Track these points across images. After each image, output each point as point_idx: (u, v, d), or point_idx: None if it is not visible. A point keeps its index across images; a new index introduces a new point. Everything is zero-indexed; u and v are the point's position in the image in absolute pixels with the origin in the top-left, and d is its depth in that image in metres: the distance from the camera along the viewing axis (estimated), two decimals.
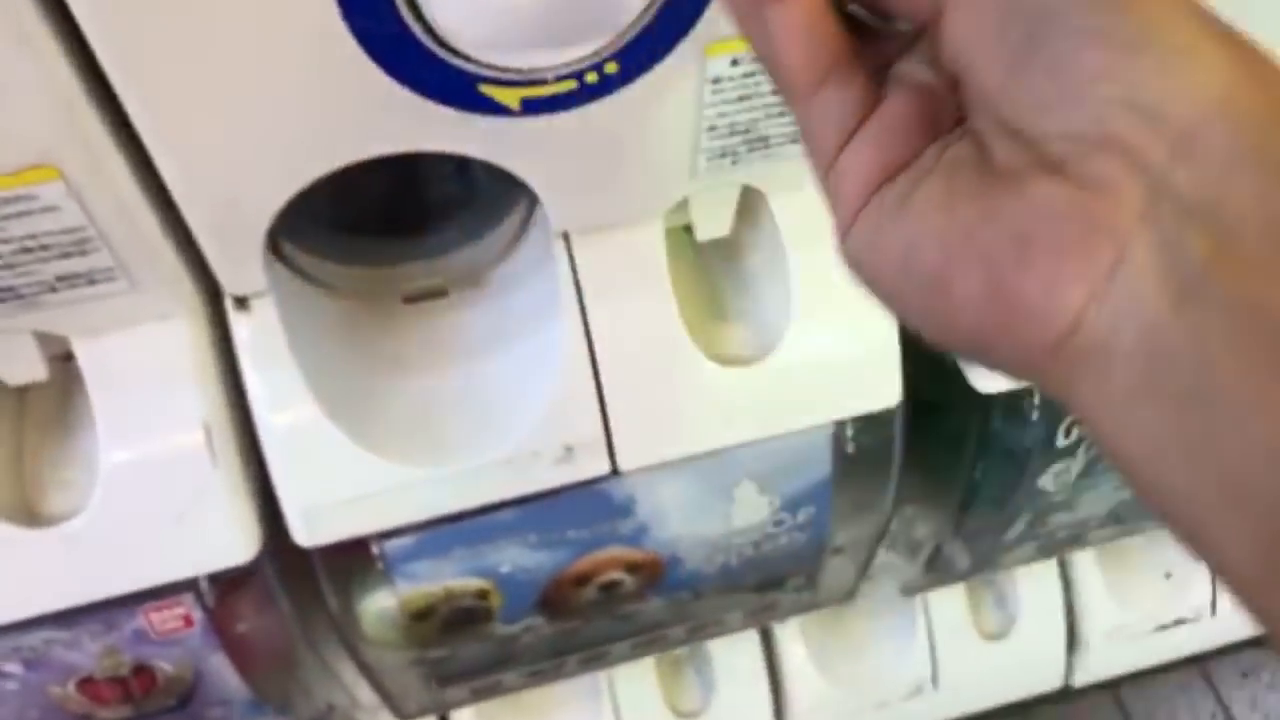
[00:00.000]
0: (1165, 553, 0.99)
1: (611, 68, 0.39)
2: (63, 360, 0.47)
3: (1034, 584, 0.93)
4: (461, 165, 0.51)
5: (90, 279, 0.41)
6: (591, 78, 0.39)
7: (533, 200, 0.50)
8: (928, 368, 0.53)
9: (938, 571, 0.71)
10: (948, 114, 0.26)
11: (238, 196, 0.39)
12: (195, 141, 0.37)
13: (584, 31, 0.35)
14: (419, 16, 0.35)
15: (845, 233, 0.27)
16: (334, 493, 0.45)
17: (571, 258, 0.47)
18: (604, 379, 0.47)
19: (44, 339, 0.45)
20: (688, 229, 0.52)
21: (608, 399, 0.47)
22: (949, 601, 0.89)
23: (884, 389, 0.50)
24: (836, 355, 0.49)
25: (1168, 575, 1.03)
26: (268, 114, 0.37)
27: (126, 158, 0.37)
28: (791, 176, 0.47)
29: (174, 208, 0.40)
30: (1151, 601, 1.00)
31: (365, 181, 0.42)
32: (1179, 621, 1.01)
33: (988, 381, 0.52)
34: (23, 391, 0.48)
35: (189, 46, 0.34)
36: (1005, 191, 0.23)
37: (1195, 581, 0.99)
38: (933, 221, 0.24)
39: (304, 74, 0.36)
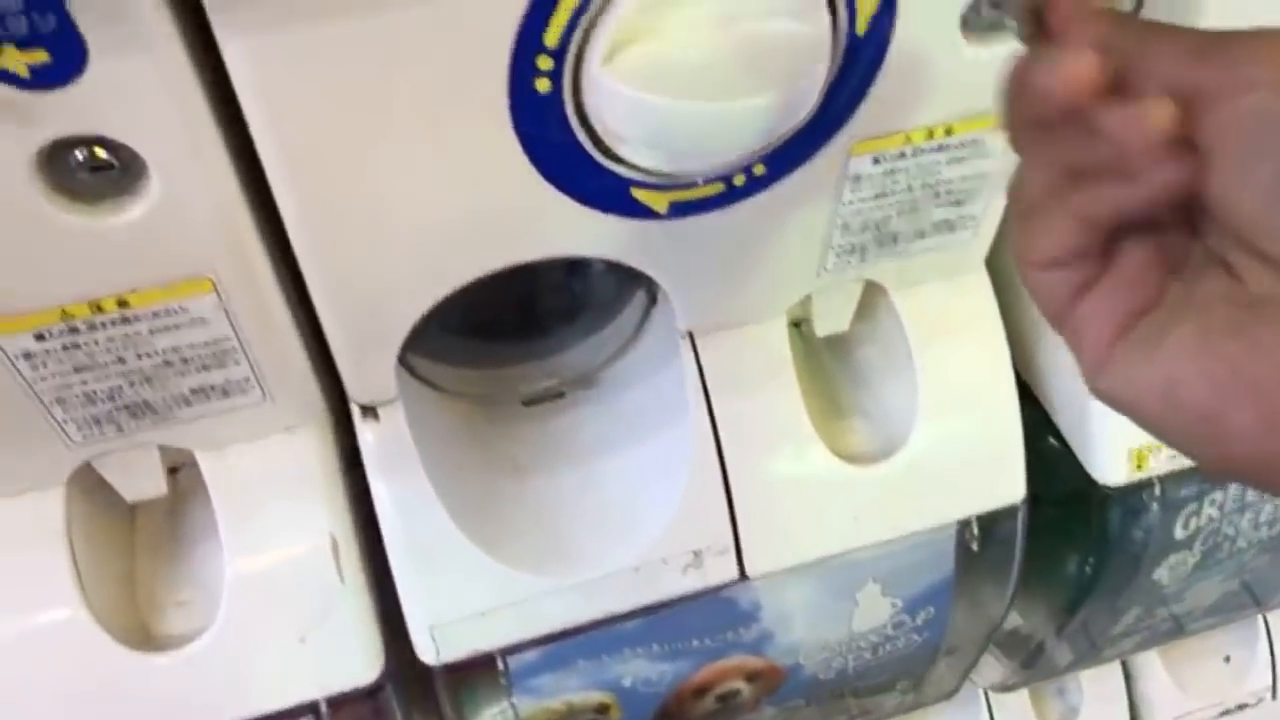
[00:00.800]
0: (1223, 637, 0.97)
1: (760, 170, 0.39)
2: (171, 474, 0.46)
3: (1095, 672, 0.91)
4: (576, 266, 0.50)
5: (225, 391, 0.40)
6: (739, 180, 0.39)
7: (649, 299, 0.49)
8: (1041, 459, 0.52)
9: (1035, 669, 0.68)
10: (1184, 249, 0.26)
11: (383, 303, 0.39)
12: (348, 246, 0.36)
13: (750, 141, 0.35)
14: (586, 124, 0.35)
15: (1096, 373, 0.26)
16: (461, 606, 0.44)
17: (697, 356, 0.46)
18: (732, 480, 0.46)
19: (163, 453, 0.43)
20: (795, 323, 0.52)
21: (736, 501, 0.46)
22: (1012, 692, 0.86)
23: (1009, 484, 0.49)
24: (963, 452, 0.48)
25: (1226, 659, 1.01)
26: (423, 218, 0.36)
27: (275, 267, 0.37)
28: (915, 271, 0.47)
29: (314, 317, 0.39)
30: (1212, 687, 0.98)
31: (483, 284, 0.41)
32: (1241, 707, 0.99)
33: (1109, 473, 0.51)
34: (133, 509, 0.47)
35: (353, 150, 0.33)
36: (1271, 323, 0.23)
37: (1254, 666, 0.97)
38: (1194, 360, 0.24)
39: (463, 178, 0.35)
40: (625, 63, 0.32)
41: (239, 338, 0.38)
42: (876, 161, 0.41)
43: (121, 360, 0.37)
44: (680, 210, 0.39)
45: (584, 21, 0.32)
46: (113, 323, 0.36)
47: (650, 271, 0.42)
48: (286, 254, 0.37)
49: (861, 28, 0.35)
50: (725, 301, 0.45)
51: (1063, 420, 0.52)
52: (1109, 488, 0.52)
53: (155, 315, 0.36)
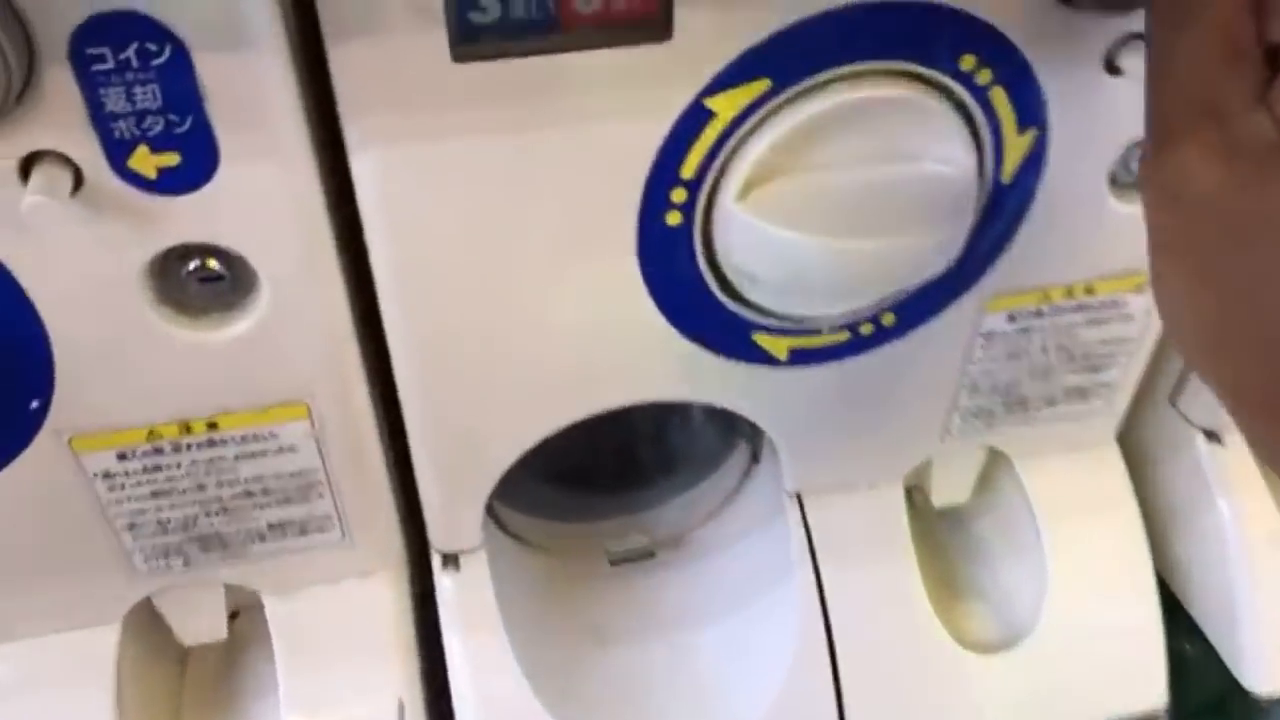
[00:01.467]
0: None
1: (889, 319, 0.37)
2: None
3: None
4: (674, 413, 0.48)
5: (303, 528, 0.37)
6: (866, 329, 0.37)
7: (751, 454, 0.46)
8: (1178, 661, 0.46)
9: None
10: None
11: (483, 441, 0.36)
12: (455, 378, 0.34)
13: (882, 286, 0.33)
14: (713, 261, 0.33)
15: None
16: None
17: (805, 520, 0.42)
18: (841, 662, 0.41)
19: (227, 593, 0.41)
20: (908, 490, 0.48)
21: (844, 686, 0.41)
22: None
23: (1149, 688, 0.44)
24: (1097, 646, 0.43)
25: None
26: (537, 352, 0.34)
27: (373, 396, 0.35)
28: (1042, 441, 0.44)
29: (405, 453, 0.37)
30: None
31: (576, 429, 0.39)
32: None
33: (1263, 680, 0.46)
34: (185, 653, 0.43)
35: (474, 276, 0.32)
36: None
37: None
38: None
39: (582, 314, 0.33)
40: (761, 197, 0.31)
41: (326, 471, 0.36)
42: (1012, 319, 0.38)
43: (201, 487, 0.35)
44: (801, 358, 0.37)
45: (723, 154, 0.30)
46: (199, 445, 0.34)
47: (763, 423, 0.39)
48: (384, 384, 0.35)
49: (1008, 176, 0.33)
50: (840, 462, 0.42)
51: (1207, 619, 0.47)
52: (1263, 698, 0.46)
53: (244, 440, 0.34)
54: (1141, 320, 0.40)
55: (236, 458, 0.34)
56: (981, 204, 0.34)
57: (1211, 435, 0.46)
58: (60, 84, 0.25)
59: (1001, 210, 0.34)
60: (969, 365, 0.39)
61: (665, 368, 0.36)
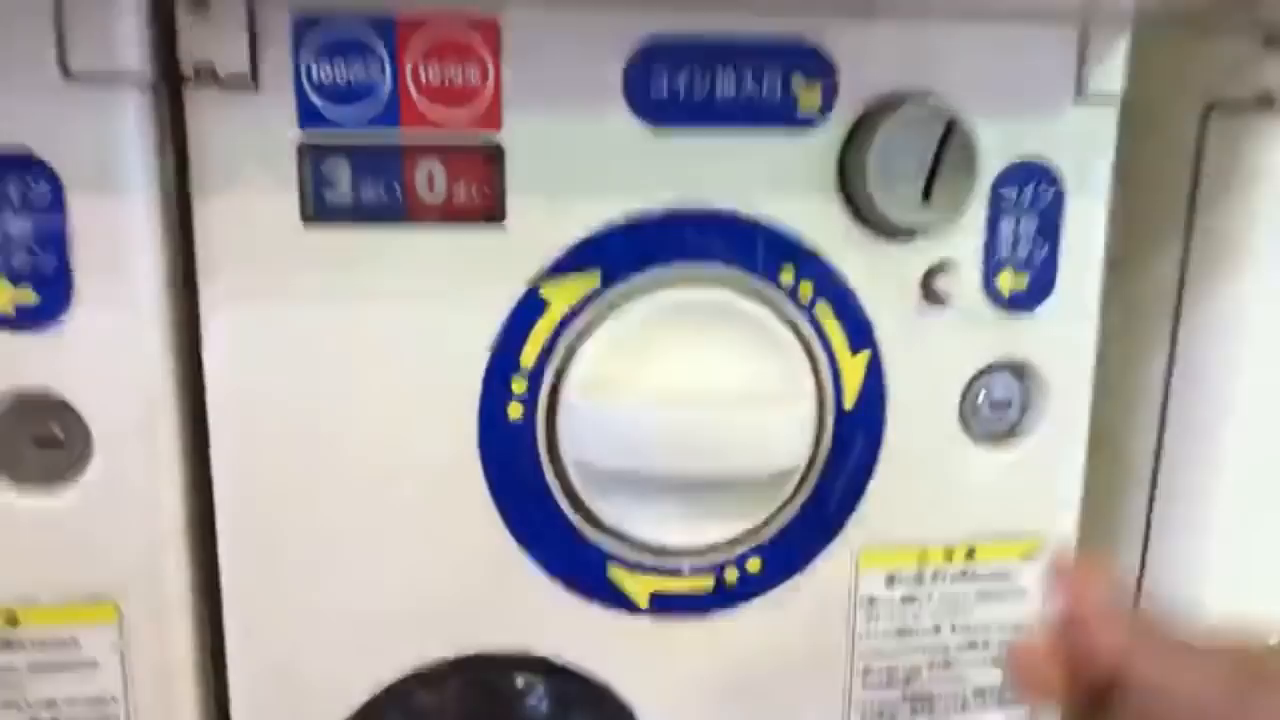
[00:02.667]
0: None
1: (754, 565, 0.35)
2: None
3: None
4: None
5: None
6: (731, 576, 0.35)
7: None
8: None
9: None
10: None
11: (306, 686, 0.33)
12: (279, 590, 0.32)
13: (720, 466, 0.32)
14: (557, 463, 0.33)
15: None
16: None
17: None
18: None
19: None
20: None
21: None
22: None
23: None
24: None
25: None
26: (368, 560, 0.32)
27: (194, 613, 0.32)
28: None
29: (223, 695, 0.33)
30: None
31: None
32: None
33: None
34: None
35: (307, 461, 0.31)
36: None
37: None
38: None
39: (419, 520, 0.32)
40: (601, 395, 0.32)
41: (127, 702, 0.32)
42: (891, 582, 0.36)
43: None
44: (663, 605, 0.34)
45: (561, 346, 0.32)
46: None
47: (625, 692, 0.35)
48: (212, 608, 0.33)
49: (850, 402, 0.34)
50: None
51: None
52: None
53: (43, 645, 0.31)
54: (1036, 598, 0.37)
55: (30, 669, 0.31)
56: (826, 431, 0.34)
57: None
58: None
59: (851, 442, 0.34)
60: (857, 642, 0.36)
61: (512, 604, 0.33)
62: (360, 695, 0.33)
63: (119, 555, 0.31)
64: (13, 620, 0.31)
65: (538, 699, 0.35)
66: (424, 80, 0.30)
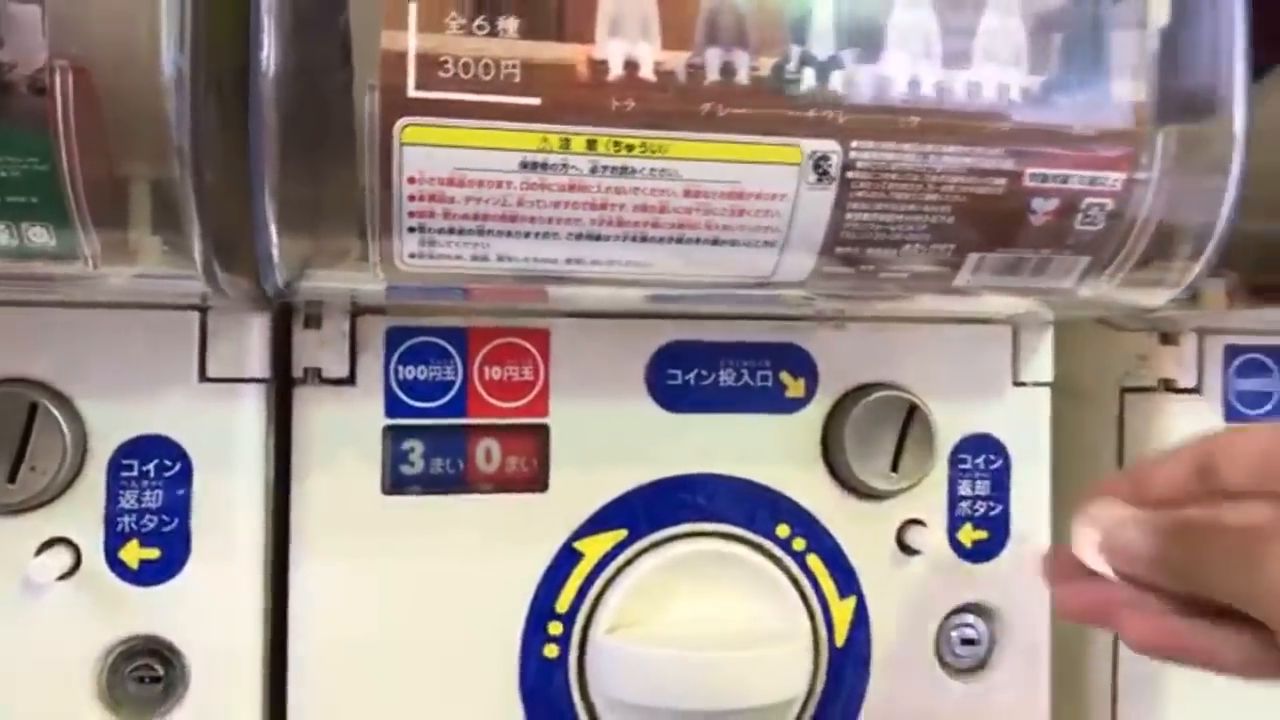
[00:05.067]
0: None
1: None
2: None
3: None
4: None
5: None
6: None
7: None
8: None
9: None
10: None
11: None
12: None
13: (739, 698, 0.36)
14: (588, 704, 0.37)
15: None
16: None
17: None
18: None
19: None
20: None
21: None
22: None
23: None
24: None
25: None
26: None
27: None
28: None
29: None
30: None
31: None
32: None
33: None
34: None
35: (373, 695, 0.36)
36: None
37: None
38: None
39: None
40: (627, 633, 0.37)
41: None
42: None
43: None
44: None
45: (592, 591, 0.38)
46: None
47: None
48: None
49: (840, 639, 0.39)
50: None
51: None
52: None
53: None
54: None
55: None
56: (821, 668, 0.39)
57: None
58: (96, 485, 0.34)
59: (843, 675, 0.39)
60: None
61: None
62: None
63: None
64: None
65: None
66: (488, 377, 0.37)
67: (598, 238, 0.29)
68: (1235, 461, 0.30)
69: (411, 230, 0.28)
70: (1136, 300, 0.35)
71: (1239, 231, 0.33)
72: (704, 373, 0.39)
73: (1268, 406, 0.43)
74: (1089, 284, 0.33)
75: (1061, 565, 0.32)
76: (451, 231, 0.28)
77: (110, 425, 0.35)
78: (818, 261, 0.31)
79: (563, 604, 0.38)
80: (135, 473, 0.35)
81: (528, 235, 0.28)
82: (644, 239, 0.29)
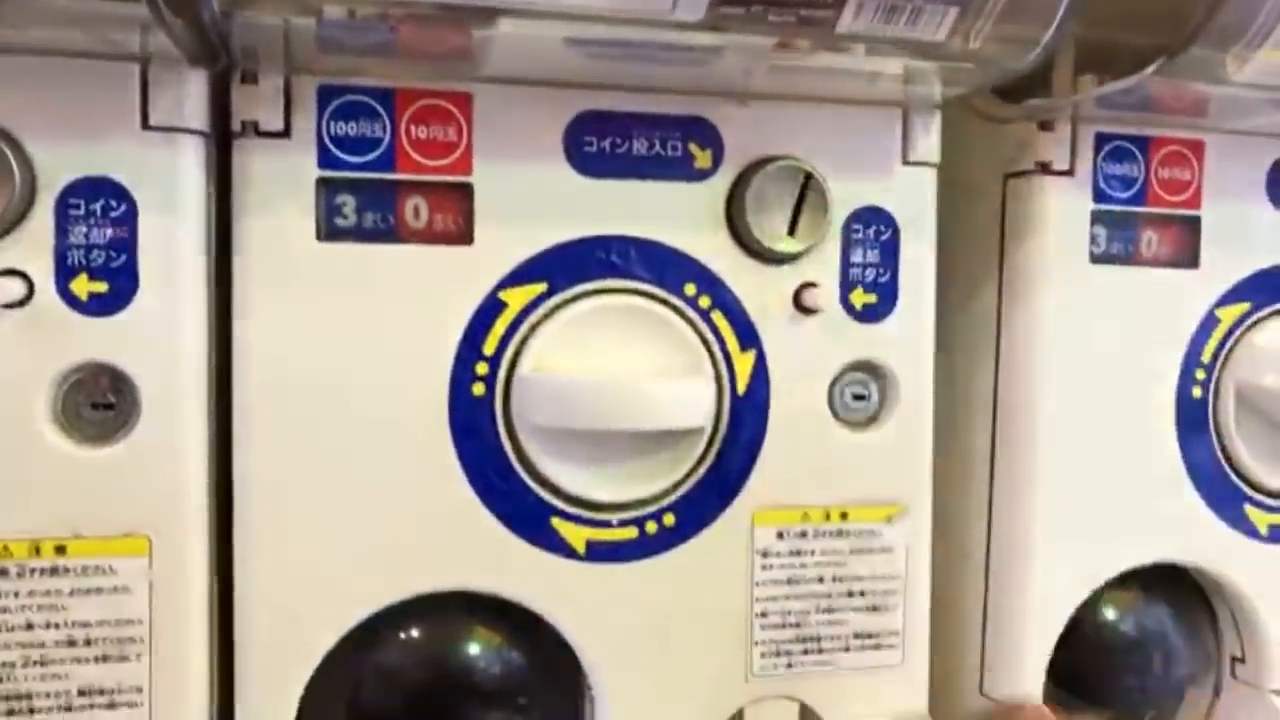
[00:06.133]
0: None
1: (669, 520, 0.43)
2: None
3: None
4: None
5: (112, 700, 0.38)
6: (651, 528, 0.43)
7: None
8: None
9: None
10: None
11: (302, 609, 0.40)
12: (285, 529, 0.40)
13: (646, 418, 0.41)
14: (513, 436, 0.41)
15: None
16: None
17: None
18: None
19: None
20: None
21: None
22: None
23: None
24: None
25: None
26: (358, 517, 0.40)
27: (210, 549, 0.40)
28: (849, 699, 0.45)
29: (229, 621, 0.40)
30: None
31: None
32: None
33: None
34: None
35: (313, 427, 0.40)
36: None
37: None
38: None
39: (403, 482, 0.40)
40: (546, 369, 0.41)
41: (153, 623, 0.38)
42: (780, 536, 0.44)
43: (30, 626, 0.38)
44: (598, 552, 0.42)
45: (515, 338, 0.41)
46: (43, 572, 0.38)
47: (570, 630, 0.42)
48: (226, 559, 0.40)
49: (742, 388, 0.43)
50: (653, 698, 0.43)
51: None
52: None
53: (84, 571, 0.38)
54: (900, 555, 0.46)
55: (71, 592, 0.38)
56: (725, 414, 0.43)
57: None
58: (45, 221, 0.37)
59: (743, 420, 0.44)
60: (755, 589, 0.44)
61: (475, 551, 0.41)
62: (343, 625, 0.40)
63: (153, 499, 0.38)
64: (62, 550, 0.38)
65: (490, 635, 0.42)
66: (414, 136, 0.40)
67: None
68: None
69: None
70: (1002, 60, 0.39)
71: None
72: (618, 141, 0.42)
73: (1132, 190, 0.48)
74: (958, 40, 0.37)
75: None
76: None
77: (58, 166, 0.37)
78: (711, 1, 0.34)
79: (489, 347, 0.41)
80: (82, 211, 0.37)
81: None
82: None
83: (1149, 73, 0.39)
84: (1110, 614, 0.52)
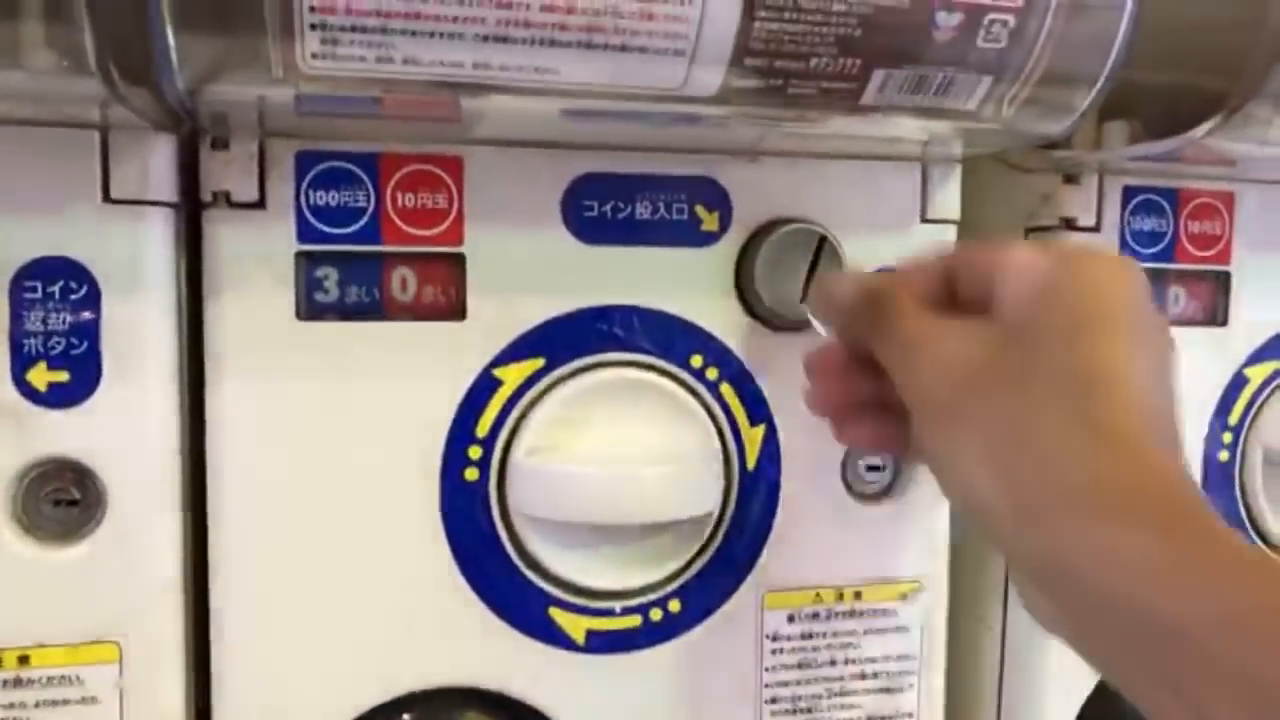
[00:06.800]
0: None
1: (675, 606, 0.41)
2: None
3: None
4: None
5: None
6: (656, 615, 0.40)
7: None
8: None
9: None
10: None
11: (286, 713, 0.37)
12: (266, 630, 0.37)
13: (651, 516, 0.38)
14: (508, 524, 0.39)
15: None
16: None
17: None
18: None
19: None
20: None
21: None
22: None
23: None
24: None
25: None
26: (344, 612, 0.38)
27: (186, 654, 0.37)
28: None
29: None
30: None
31: None
32: None
33: None
34: None
35: (294, 521, 0.37)
36: None
37: None
38: None
39: (390, 575, 0.38)
40: (545, 455, 0.38)
41: None
42: (791, 619, 0.42)
43: None
44: (599, 644, 0.40)
45: (511, 417, 0.38)
46: (5, 684, 0.35)
47: None
48: (199, 660, 0.38)
49: (751, 463, 0.41)
50: None
51: None
52: None
53: (49, 682, 0.35)
54: (916, 635, 0.43)
55: (37, 704, 0.35)
56: (734, 490, 0.41)
57: None
58: None
59: (753, 497, 0.41)
60: (764, 674, 0.42)
61: (469, 644, 0.39)
62: None
63: (123, 601, 0.36)
64: (25, 661, 0.35)
65: None
66: (401, 204, 0.37)
67: (504, 39, 0.29)
68: (967, 277, 0.33)
69: (313, 28, 0.28)
70: (1036, 126, 0.36)
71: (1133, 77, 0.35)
72: (620, 205, 0.39)
73: (1160, 245, 0.45)
74: (991, 106, 0.34)
75: (820, 362, 0.37)
76: (354, 30, 0.28)
77: (11, 245, 0.34)
78: (727, 74, 0.31)
79: (482, 429, 0.38)
80: (40, 294, 0.34)
81: (432, 35, 0.28)
82: (551, 43, 0.29)
83: (1199, 135, 0.36)
84: None
